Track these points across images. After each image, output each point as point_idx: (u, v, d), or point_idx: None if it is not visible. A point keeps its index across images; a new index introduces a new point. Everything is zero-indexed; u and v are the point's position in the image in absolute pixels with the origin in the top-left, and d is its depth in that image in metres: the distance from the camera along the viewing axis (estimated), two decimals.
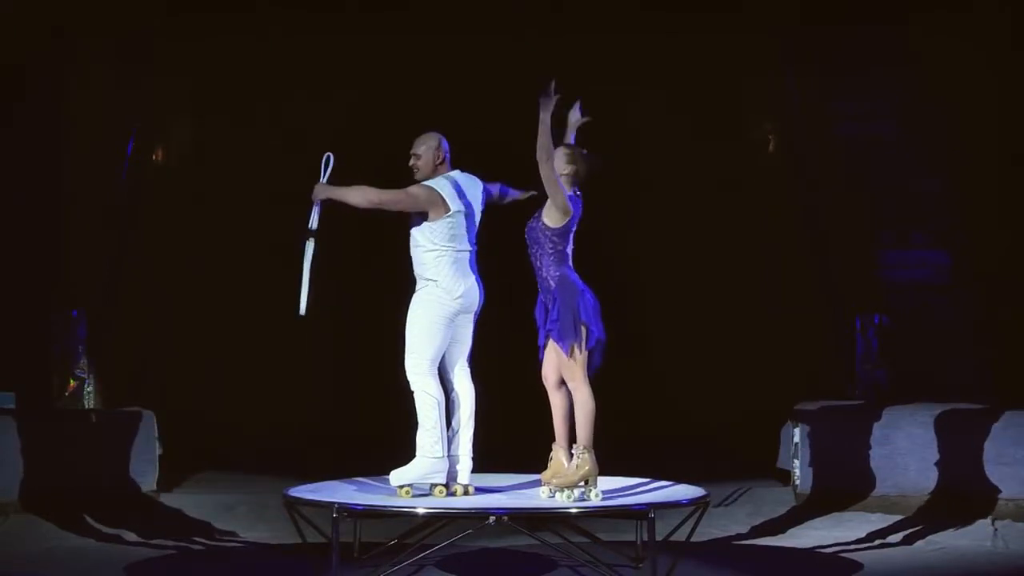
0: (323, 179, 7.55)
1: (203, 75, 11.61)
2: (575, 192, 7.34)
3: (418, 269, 7.49)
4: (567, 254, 7.28)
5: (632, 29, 11.49)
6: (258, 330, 12.19)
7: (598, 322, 7.23)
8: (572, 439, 7.32)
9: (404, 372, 7.45)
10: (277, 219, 12.21)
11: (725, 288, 12.05)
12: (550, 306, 7.23)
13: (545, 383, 7.42)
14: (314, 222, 7.52)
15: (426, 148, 7.58)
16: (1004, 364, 10.14)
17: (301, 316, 7.46)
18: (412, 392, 7.44)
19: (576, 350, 7.17)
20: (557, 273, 7.23)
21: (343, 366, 12.05)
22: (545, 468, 7.43)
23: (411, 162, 7.61)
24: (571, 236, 7.30)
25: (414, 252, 7.49)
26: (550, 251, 7.23)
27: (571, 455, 7.28)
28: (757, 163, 12.07)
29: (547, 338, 7.30)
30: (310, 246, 7.55)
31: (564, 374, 7.26)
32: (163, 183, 11.43)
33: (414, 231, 7.49)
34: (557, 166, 7.27)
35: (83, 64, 10.53)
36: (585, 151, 7.39)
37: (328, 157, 7.55)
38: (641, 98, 11.98)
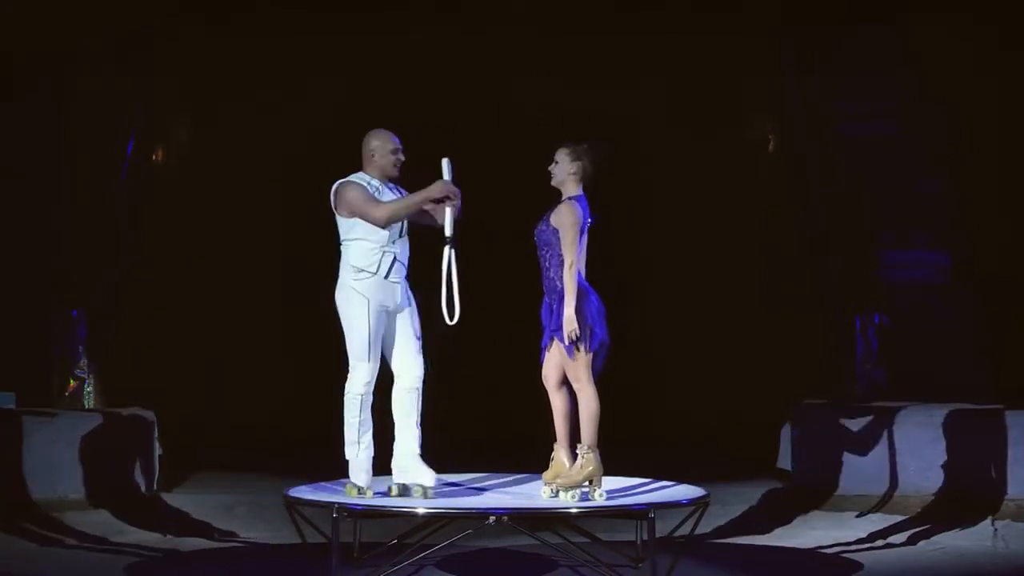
0: (448, 178, 7.33)
1: (203, 75, 11.61)
2: (580, 191, 7.34)
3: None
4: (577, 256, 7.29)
5: (633, 29, 11.50)
6: (258, 330, 12.21)
7: (602, 325, 7.23)
8: (573, 439, 7.32)
9: (421, 373, 7.48)
10: (277, 219, 12.26)
11: (725, 288, 12.06)
12: (555, 307, 7.23)
13: (545, 383, 7.42)
14: (449, 228, 7.32)
15: None
16: (1004, 364, 10.14)
17: (451, 325, 7.31)
18: (419, 392, 7.46)
19: (580, 351, 7.17)
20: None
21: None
22: (546, 468, 7.43)
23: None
24: (583, 239, 7.30)
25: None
26: (560, 253, 7.23)
27: (574, 455, 7.28)
28: (757, 163, 12.08)
29: (551, 339, 7.31)
30: (450, 253, 7.34)
31: (569, 375, 7.26)
32: (163, 183, 11.43)
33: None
34: (563, 167, 7.30)
35: (83, 64, 10.53)
36: (586, 144, 7.37)
37: (447, 161, 7.38)
38: (641, 98, 11.99)
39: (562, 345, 7.21)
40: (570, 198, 7.30)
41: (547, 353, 7.36)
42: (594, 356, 7.24)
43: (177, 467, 9.93)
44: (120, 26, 10.61)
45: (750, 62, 11.38)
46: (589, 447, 7.19)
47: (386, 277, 7.36)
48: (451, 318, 7.31)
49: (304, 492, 7.42)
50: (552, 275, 7.27)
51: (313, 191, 12.15)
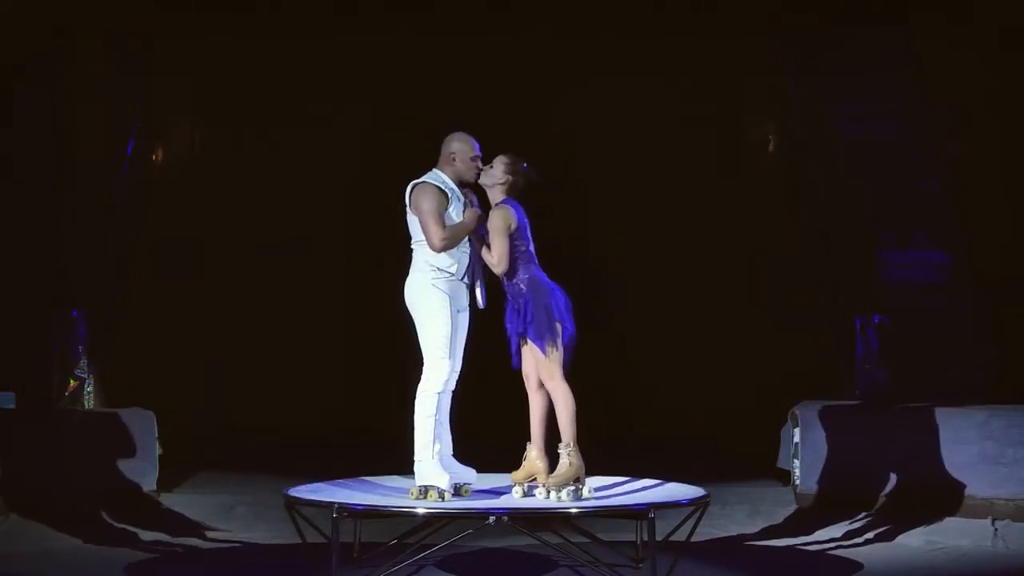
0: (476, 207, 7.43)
1: (203, 75, 11.61)
2: (506, 199, 7.36)
3: None
4: (531, 252, 7.33)
5: (633, 29, 11.51)
6: (258, 330, 12.21)
7: (570, 319, 7.26)
8: (549, 439, 7.33)
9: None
10: (277, 219, 12.26)
11: (726, 288, 12.06)
12: (522, 309, 7.25)
13: (526, 383, 7.43)
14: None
15: None
16: (1004, 364, 10.14)
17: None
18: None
19: (552, 348, 7.18)
20: (526, 276, 7.29)
21: (343, 366, 12.06)
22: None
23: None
24: (528, 233, 7.33)
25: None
26: (514, 255, 7.27)
27: (546, 455, 7.31)
28: (757, 163, 12.08)
29: (519, 342, 7.32)
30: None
31: (542, 374, 7.27)
32: (163, 183, 11.43)
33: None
34: (495, 174, 7.35)
35: (83, 64, 10.53)
36: (525, 164, 7.39)
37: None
38: (641, 98, 11.99)
39: (534, 344, 7.23)
40: (499, 204, 7.34)
41: (524, 355, 7.37)
42: (564, 350, 7.26)
43: (177, 467, 9.92)
44: (120, 26, 10.61)
45: (750, 62, 11.39)
46: (572, 445, 7.19)
47: (461, 278, 7.37)
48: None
49: (304, 492, 7.41)
50: (515, 281, 7.31)
51: (312, 190, 12.25)
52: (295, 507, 7.34)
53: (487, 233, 7.30)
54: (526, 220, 7.36)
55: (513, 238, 7.28)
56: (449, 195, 7.30)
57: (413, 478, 7.32)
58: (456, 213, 7.32)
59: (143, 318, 11.07)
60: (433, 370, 7.28)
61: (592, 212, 11.82)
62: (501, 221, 7.27)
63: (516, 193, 7.40)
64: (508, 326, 7.39)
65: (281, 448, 11.31)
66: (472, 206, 7.37)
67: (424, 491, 7.21)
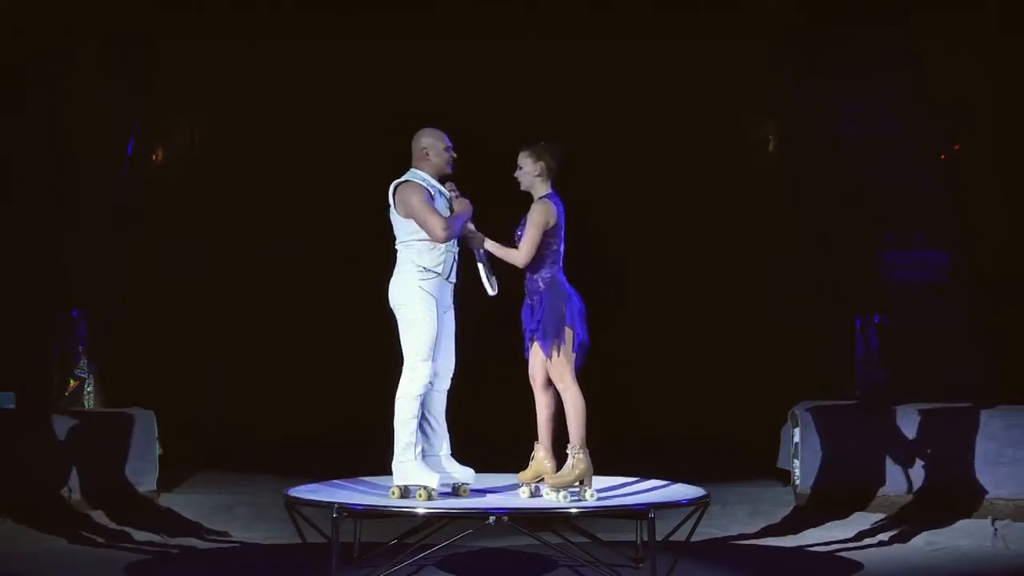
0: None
1: (203, 75, 11.61)
2: (551, 189, 7.34)
3: None
4: (560, 253, 7.30)
5: (633, 29, 11.51)
6: (258, 330, 12.21)
7: (583, 325, 7.24)
8: (555, 439, 7.33)
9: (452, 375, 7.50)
10: (276, 219, 12.27)
11: (725, 288, 12.06)
12: (536, 307, 7.24)
13: (532, 383, 7.41)
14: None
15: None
16: (1004, 364, 10.14)
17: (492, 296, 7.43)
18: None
19: (556, 351, 7.17)
20: (548, 275, 7.26)
21: (343, 366, 12.05)
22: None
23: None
24: (562, 234, 7.30)
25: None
26: (543, 251, 7.25)
27: (554, 455, 7.30)
28: (757, 163, 12.08)
29: (531, 340, 7.31)
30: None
31: (552, 376, 7.25)
32: (163, 183, 11.43)
33: None
34: (527, 170, 7.30)
35: (83, 64, 10.54)
36: (543, 142, 7.36)
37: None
38: (641, 98, 12.00)
39: (540, 345, 7.22)
40: (542, 198, 7.31)
41: (532, 353, 7.36)
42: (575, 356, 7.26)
43: (177, 467, 9.93)
44: (120, 26, 10.61)
45: (750, 62, 11.39)
46: (580, 447, 7.18)
47: (447, 278, 7.35)
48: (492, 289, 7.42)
49: (304, 492, 7.41)
50: (535, 275, 7.28)
51: (312, 190, 12.25)
52: (295, 507, 7.34)
53: (524, 226, 7.27)
54: (564, 219, 7.33)
55: (548, 234, 7.24)
56: (432, 192, 7.30)
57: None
58: (442, 209, 7.32)
59: (143, 318, 11.07)
60: (414, 373, 7.27)
61: (591, 212, 11.81)
62: (541, 215, 7.23)
63: (555, 176, 7.33)
64: (523, 320, 7.37)
65: (281, 448, 11.31)
66: (458, 197, 7.36)
67: (404, 490, 7.21)
